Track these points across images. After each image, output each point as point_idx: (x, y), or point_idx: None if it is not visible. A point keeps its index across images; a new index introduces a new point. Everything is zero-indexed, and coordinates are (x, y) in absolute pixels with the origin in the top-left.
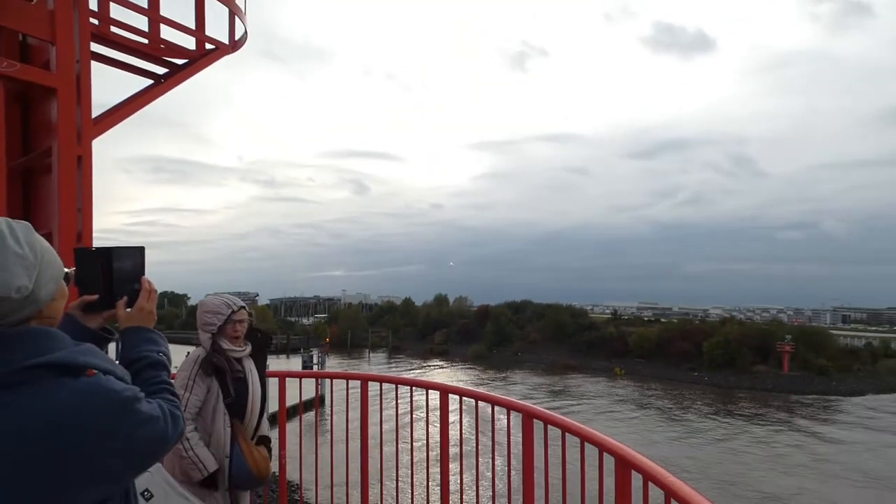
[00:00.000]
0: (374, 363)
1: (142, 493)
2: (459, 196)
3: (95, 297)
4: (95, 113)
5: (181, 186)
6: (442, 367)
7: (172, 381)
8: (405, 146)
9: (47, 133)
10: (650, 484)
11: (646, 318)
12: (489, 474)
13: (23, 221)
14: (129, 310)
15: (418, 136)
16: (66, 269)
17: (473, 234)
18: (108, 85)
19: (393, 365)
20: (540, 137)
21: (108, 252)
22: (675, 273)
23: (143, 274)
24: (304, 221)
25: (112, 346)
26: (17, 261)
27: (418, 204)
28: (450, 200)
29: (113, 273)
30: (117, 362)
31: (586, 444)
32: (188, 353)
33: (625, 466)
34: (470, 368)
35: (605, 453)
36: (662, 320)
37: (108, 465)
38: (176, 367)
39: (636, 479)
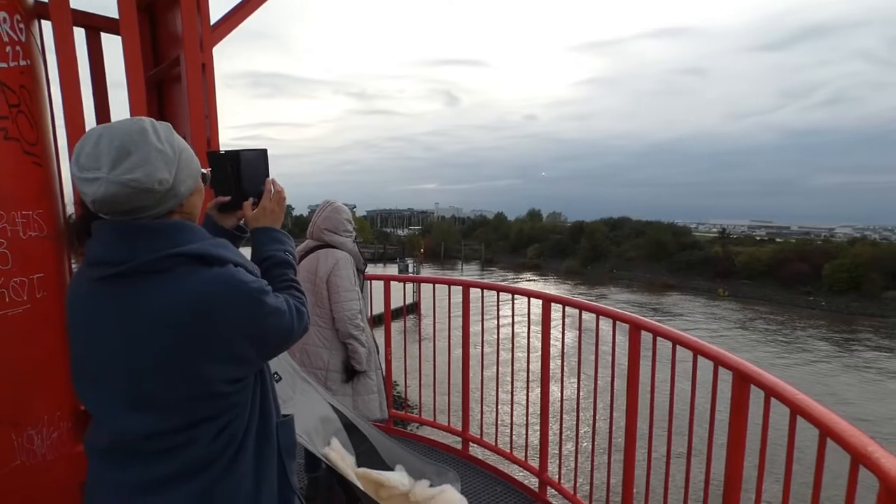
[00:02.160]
0: (467, 274)
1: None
2: (555, 106)
3: (228, 198)
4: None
5: (278, 100)
6: (534, 281)
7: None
8: (496, 51)
9: (174, 43)
10: (772, 400)
11: (758, 238)
12: (591, 387)
13: (164, 122)
14: (255, 210)
15: (511, 39)
16: (202, 170)
17: (569, 147)
18: None
19: (486, 276)
20: (649, 34)
21: (236, 154)
22: (797, 188)
23: (268, 175)
24: (397, 135)
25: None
26: (159, 156)
27: (510, 116)
28: (544, 111)
29: (241, 174)
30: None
31: (699, 357)
32: (318, 254)
33: (743, 381)
34: (563, 283)
35: (720, 367)
36: (777, 240)
37: (236, 349)
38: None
39: (754, 396)
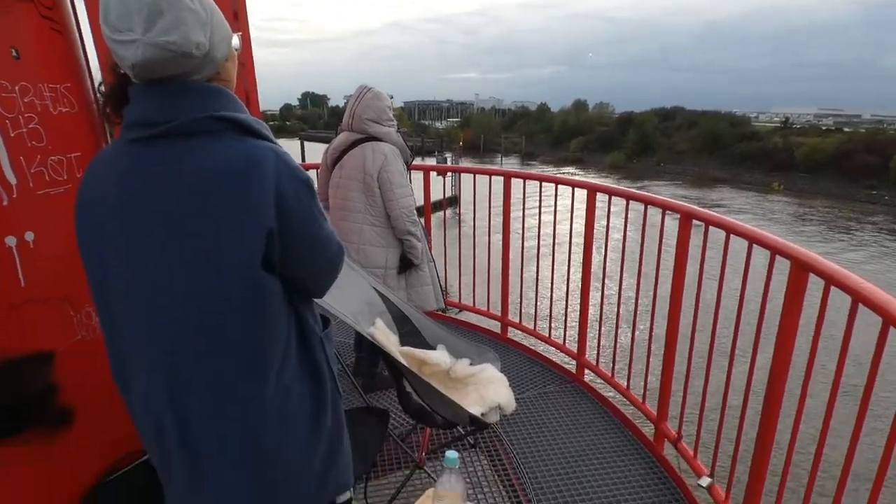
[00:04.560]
0: (507, 167)
1: None
2: None
3: None
4: None
5: None
6: (575, 175)
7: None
8: None
9: None
10: (832, 289)
11: (823, 128)
12: (634, 282)
13: None
14: None
15: None
16: (233, 35)
17: (619, 28)
18: None
19: (525, 170)
20: None
21: None
22: (871, 71)
23: None
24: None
25: None
26: (192, 16)
27: None
28: None
29: None
30: None
31: (754, 247)
32: (363, 147)
33: (802, 269)
34: (605, 177)
35: (777, 256)
36: (846, 130)
37: (271, 222)
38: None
39: (813, 287)
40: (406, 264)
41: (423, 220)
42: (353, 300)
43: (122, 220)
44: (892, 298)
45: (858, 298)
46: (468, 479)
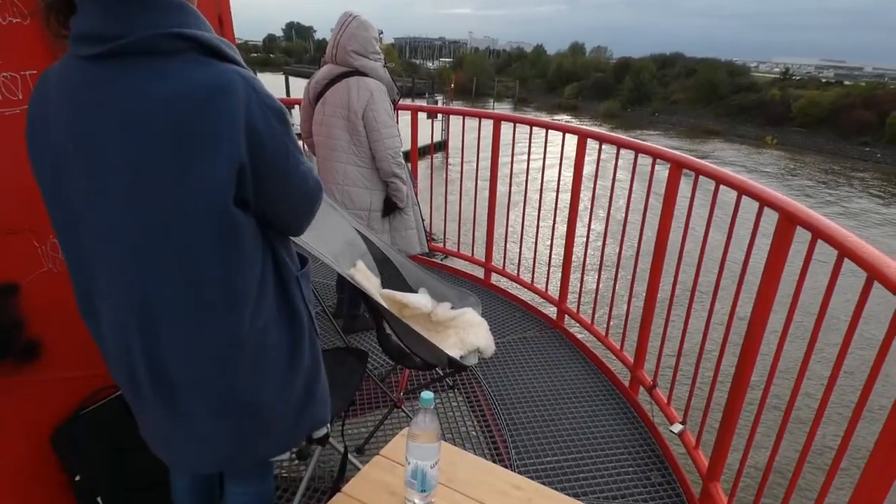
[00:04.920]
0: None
1: None
2: None
3: None
4: None
5: None
6: (568, 123)
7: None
8: None
9: None
10: (818, 243)
11: (823, 80)
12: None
13: None
14: None
15: None
16: None
17: None
18: None
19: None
20: None
21: None
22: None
23: None
24: None
25: None
26: None
27: None
28: None
29: None
30: None
31: (743, 197)
32: (348, 82)
33: (790, 222)
34: (598, 126)
35: (765, 208)
36: (846, 83)
37: (241, 156)
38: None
39: (799, 238)
40: (390, 207)
41: (409, 165)
42: (334, 240)
43: (77, 146)
44: (879, 253)
45: (844, 252)
46: (446, 420)
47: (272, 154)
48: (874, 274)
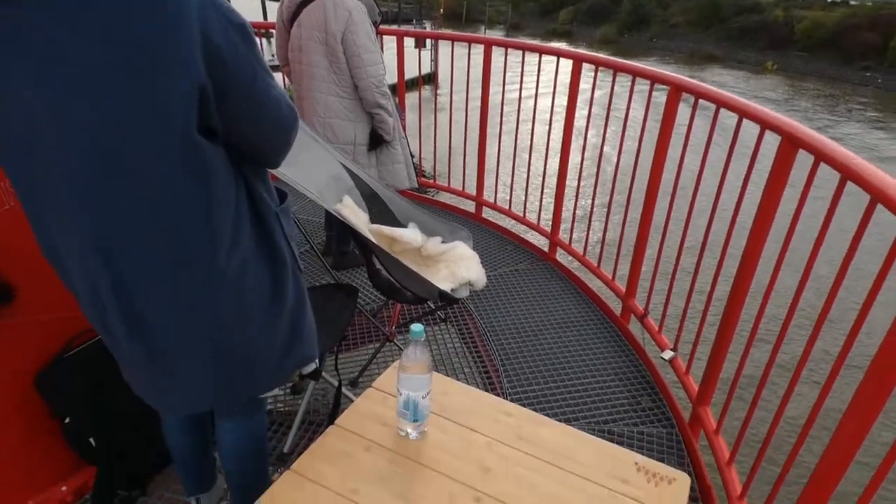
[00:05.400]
0: None
1: None
2: None
3: None
4: None
5: None
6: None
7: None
8: None
9: None
10: (821, 166)
11: (829, 0)
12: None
13: None
14: None
15: None
16: None
17: None
18: None
19: None
20: None
21: None
22: None
23: None
24: None
25: None
26: None
27: None
28: None
29: None
30: None
31: (744, 121)
32: (322, 2)
33: (792, 145)
34: (593, 52)
35: (766, 131)
36: (852, 2)
37: (201, 78)
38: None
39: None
40: (376, 141)
41: (396, 98)
42: (318, 175)
43: (25, 72)
44: (884, 174)
45: (848, 175)
46: (438, 352)
47: (235, 72)
48: (878, 196)
